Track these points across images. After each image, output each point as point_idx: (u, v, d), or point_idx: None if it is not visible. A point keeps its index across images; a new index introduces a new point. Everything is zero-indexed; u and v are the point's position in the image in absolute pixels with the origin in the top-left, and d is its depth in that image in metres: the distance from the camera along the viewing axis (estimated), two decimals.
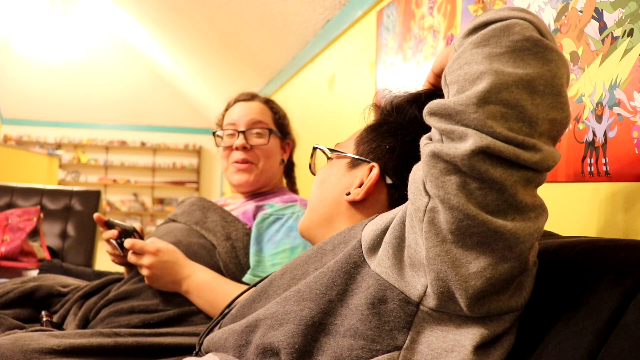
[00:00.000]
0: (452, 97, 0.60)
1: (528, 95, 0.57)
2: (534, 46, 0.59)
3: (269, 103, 1.51)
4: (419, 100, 0.86)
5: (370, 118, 0.96)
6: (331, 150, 0.95)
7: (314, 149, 1.01)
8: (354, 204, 0.88)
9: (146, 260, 1.21)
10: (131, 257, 1.24)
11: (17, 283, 1.36)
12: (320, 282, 0.71)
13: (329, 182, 0.92)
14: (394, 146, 0.87)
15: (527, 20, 0.61)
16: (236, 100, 1.50)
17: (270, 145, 1.44)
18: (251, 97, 1.50)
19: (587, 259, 0.66)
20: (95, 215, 1.32)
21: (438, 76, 0.81)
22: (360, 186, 0.88)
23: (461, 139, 0.57)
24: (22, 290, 1.31)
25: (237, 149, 1.42)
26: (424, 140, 0.64)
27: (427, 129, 0.65)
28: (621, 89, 0.96)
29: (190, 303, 1.23)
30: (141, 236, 1.28)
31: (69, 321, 1.27)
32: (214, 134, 1.50)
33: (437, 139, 0.61)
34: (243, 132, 1.42)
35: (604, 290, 0.61)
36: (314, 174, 1.00)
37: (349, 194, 0.88)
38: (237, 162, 1.43)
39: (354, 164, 0.90)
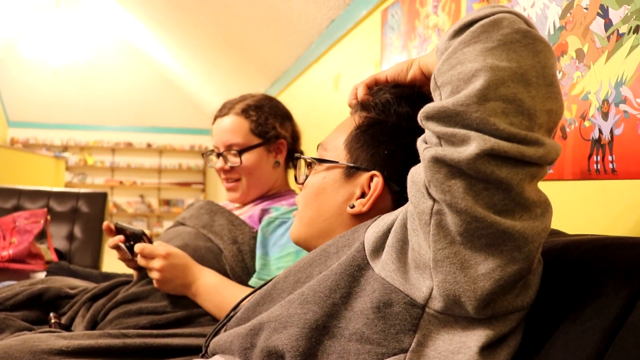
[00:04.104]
0: (448, 99, 0.59)
1: (524, 88, 0.57)
2: (524, 38, 0.59)
3: (245, 112, 1.44)
4: (410, 97, 0.84)
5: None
6: (322, 160, 0.90)
7: (297, 159, 0.96)
8: (357, 215, 0.85)
9: (156, 263, 1.22)
10: (141, 261, 1.25)
11: (25, 285, 1.37)
12: (324, 285, 0.70)
13: (326, 195, 0.88)
14: (394, 151, 0.84)
15: (513, 14, 0.61)
16: (215, 116, 1.49)
17: (246, 162, 1.42)
18: (228, 109, 1.46)
19: (594, 257, 0.66)
20: (104, 224, 1.32)
21: (425, 74, 0.80)
22: (361, 196, 0.85)
23: (464, 142, 0.56)
24: (31, 292, 1.31)
25: (219, 171, 1.46)
26: (421, 143, 0.62)
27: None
28: (627, 86, 0.96)
29: (197, 305, 1.24)
30: (150, 240, 1.28)
31: (77, 323, 1.27)
32: (203, 155, 1.52)
33: (434, 143, 0.60)
34: (221, 154, 1.44)
35: (611, 289, 0.60)
36: (301, 184, 0.94)
37: (353, 206, 0.85)
38: (223, 181, 1.48)
39: (351, 172, 0.86)
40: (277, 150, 1.47)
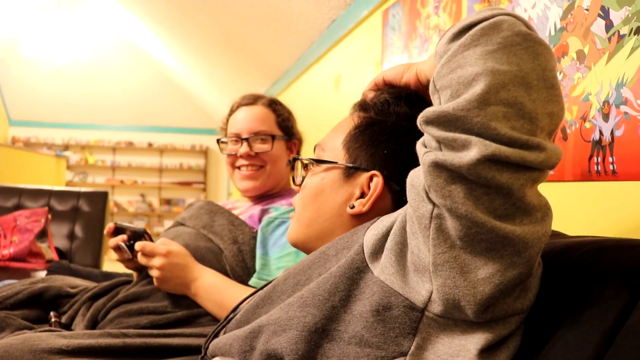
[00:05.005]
0: (448, 103, 0.58)
1: (525, 92, 0.57)
2: (524, 40, 0.58)
3: (272, 105, 1.48)
4: (408, 97, 0.84)
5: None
6: (320, 161, 0.89)
7: (295, 160, 0.94)
8: (357, 215, 0.85)
9: (157, 261, 1.22)
10: (141, 259, 1.24)
11: (25, 284, 1.37)
12: (323, 288, 0.70)
13: (325, 196, 0.87)
14: (393, 150, 0.83)
15: (512, 16, 0.61)
16: (239, 105, 1.49)
17: (275, 150, 1.44)
18: (254, 100, 1.48)
19: (594, 259, 0.66)
20: (109, 226, 1.33)
21: (420, 80, 0.80)
22: (361, 196, 0.85)
23: (464, 148, 0.56)
24: (31, 291, 1.31)
25: (241, 157, 1.44)
26: (420, 147, 0.62)
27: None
28: (628, 87, 0.96)
29: (198, 305, 1.24)
30: (151, 238, 1.28)
31: (78, 322, 1.27)
32: (218, 141, 1.51)
33: (434, 147, 0.59)
34: (246, 139, 1.43)
35: (611, 290, 0.60)
36: (299, 185, 0.93)
37: (353, 206, 0.84)
38: (240, 168, 1.45)
39: (350, 173, 0.86)
40: (291, 149, 1.51)
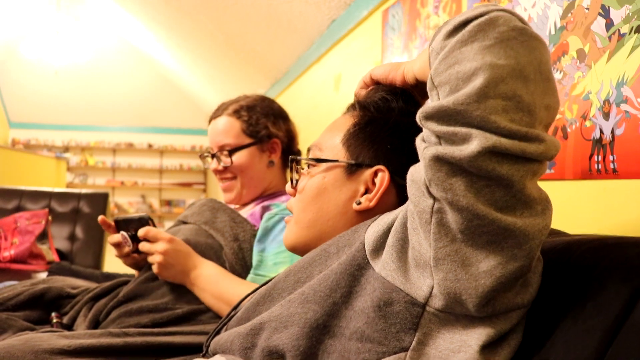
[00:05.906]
0: (447, 98, 0.59)
1: (523, 84, 0.57)
2: (520, 35, 0.59)
3: (237, 112, 1.46)
4: (404, 93, 0.84)
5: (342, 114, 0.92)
6: (322, 160, 0.88)
7: (293, 161, 0.93)
8: (362, 212, 0.85)
9: (160, 246, 1.22)
10: (144, 245, 1.25)
11: (26, 285, 1.37)
12: (324, 284, 0.71)
13: (328, 195, 0.87)
14: (397, 145, 0.84)
15: (507, 12, 0.62)
16: (210, 118, 1.51)
17: (238, 161, 1.43)
18: (221, 110, 1.48)
19: (595, 257, 0.66)
20: (100, 218, 1.33)
21: (406, 79, 0.80)
22: (365, 192, 0.85)
23: (465, 141, 0.56)
24: (32, 292, 1.32)
25: (213, 172, 1.49)
26: (420, 143, 0.62)
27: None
28: (628, 86, 0.96)
29: (198, 302, 1.24)
30: (154, 225, 1.29)
31: (79, 322, 1.28)
32: (200, 156, 1.54)
33: (433, 142, 0.60)
34: (215, 154, 1.46)
35: (612, 288, 0.61)
36: (294, 188, 0.92)
37: (359, 203, 0.84)
38: (219, 181, 1.49)
39: (352, 170, 0.86)
40: (271, 149, 1.48)
